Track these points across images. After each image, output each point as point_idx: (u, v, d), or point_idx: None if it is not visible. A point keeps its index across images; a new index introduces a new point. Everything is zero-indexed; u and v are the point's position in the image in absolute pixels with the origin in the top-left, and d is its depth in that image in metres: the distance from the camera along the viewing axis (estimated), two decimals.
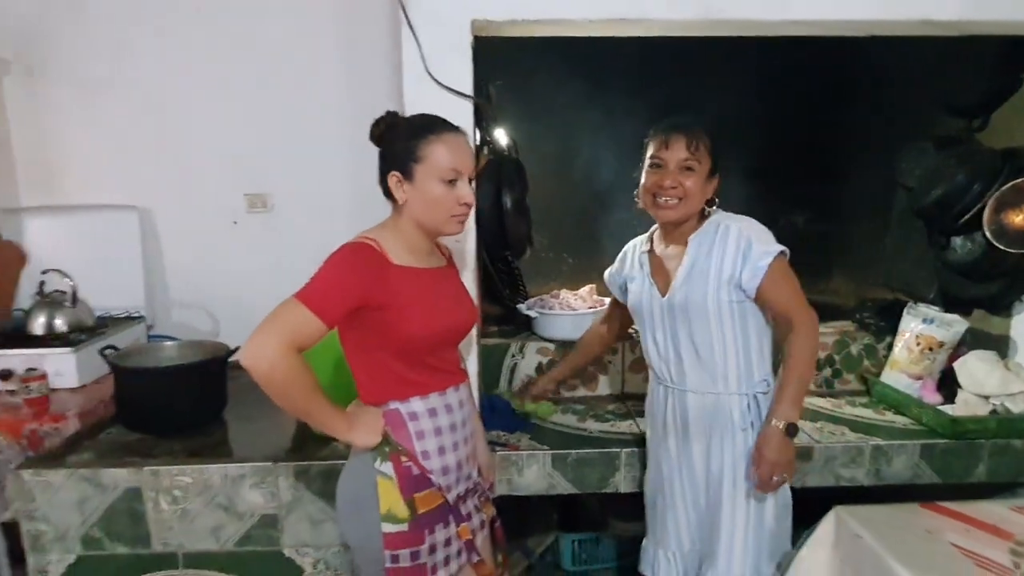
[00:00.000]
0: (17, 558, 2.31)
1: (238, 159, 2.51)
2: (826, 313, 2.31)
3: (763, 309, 1.48)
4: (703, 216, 1.53)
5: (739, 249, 1.43)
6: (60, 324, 2.20)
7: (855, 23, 1.64)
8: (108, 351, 1.99)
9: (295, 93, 2.46)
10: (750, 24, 1.61)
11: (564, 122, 2.42)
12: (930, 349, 2.00)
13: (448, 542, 1.31)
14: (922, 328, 2.03)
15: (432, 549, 1.28)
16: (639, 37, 1.73)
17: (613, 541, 2.29)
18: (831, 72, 2.38)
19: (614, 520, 2.27)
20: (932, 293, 2.11)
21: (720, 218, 1.51)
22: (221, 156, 2.51)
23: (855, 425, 1.89)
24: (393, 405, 1.29)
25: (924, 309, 2.06)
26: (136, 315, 2.48)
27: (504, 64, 1.81)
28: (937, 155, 2.04)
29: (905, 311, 2.10)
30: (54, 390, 2.02)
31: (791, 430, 1.40)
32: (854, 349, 2.17)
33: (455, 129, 1.29)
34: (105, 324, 2.34)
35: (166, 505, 1.64)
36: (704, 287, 1.45)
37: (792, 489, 1.55)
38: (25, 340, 2.13)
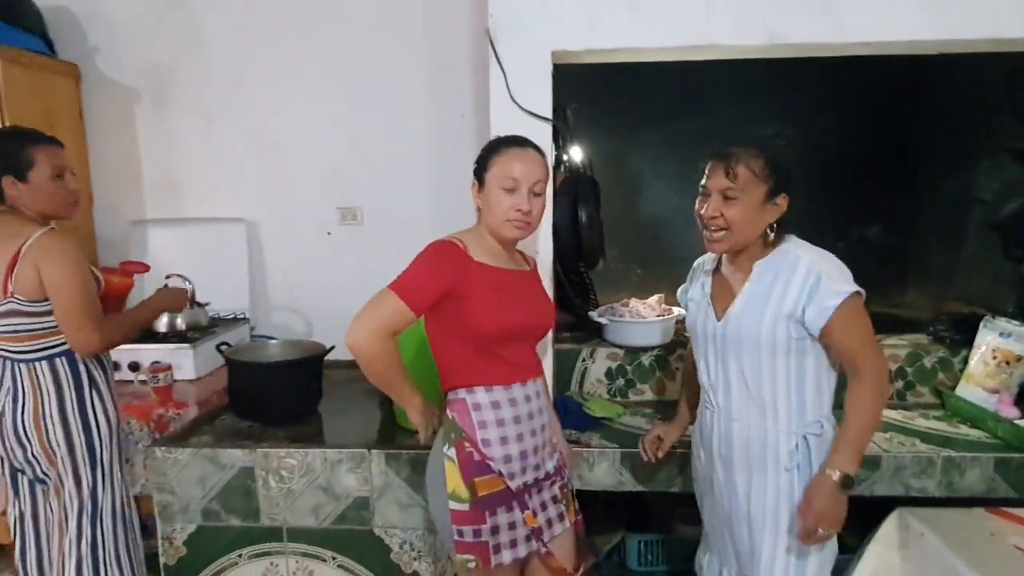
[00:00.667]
0: (141, 527, 2.61)
1: (332, 177, 2.76)
2: (900, 326, 2.33)
3: (827, 349, 1.38)
4: (773, 241, 1.42)
5: (806, 284, 1.33)
6: (180, 323, 2.48)
7: (917, 43, 1.68)
8: (223, 347, 2.24)
9: (383, 117, 2.69)
10: (812, 47, 1.68)
11: (635, 141, 2.54)
12: (1007, 363, 1.98)
13: (512, 526, 1.40)
14: (999, 341, 2.01)
15: (495, 530, 1.38)
16: (709, 61, 1.83)
17: (678, 544, 2.35)
18: (904, 88, 2.41)
19: (680, 524, 2.33)
20: (1010, 306, 2.09)
21: (793, 247, 1.41)
22: (318, 174, 2.77)
23: (927, 437, 1.90)
24: (461, 394, 1.42)
25: (1002, 323, 2.04)
26: (241, 316, 2.76)
27: (579, 87, 1.95)
28: (1014, 168, 2.03)
29: (982, 324, 2.08)
30: (176, 381, 2.29)
31: (846, 482, 1.31)
32: (928, 362, 2.17)
33: (523, 144, 1.41)
34: (216, 324, 2.62)
35: (274, 484, 1.85)
36: (760, 318, 1.36)
37: (858, 496, 1.57)
38: (149, 337, 2.43)
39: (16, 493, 1.82)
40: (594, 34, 1.66)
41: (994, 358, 2.00)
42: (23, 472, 1.78)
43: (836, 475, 1.31)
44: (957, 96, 2.36)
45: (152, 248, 2.83)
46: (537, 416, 1.47)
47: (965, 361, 2.10)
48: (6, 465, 1.79)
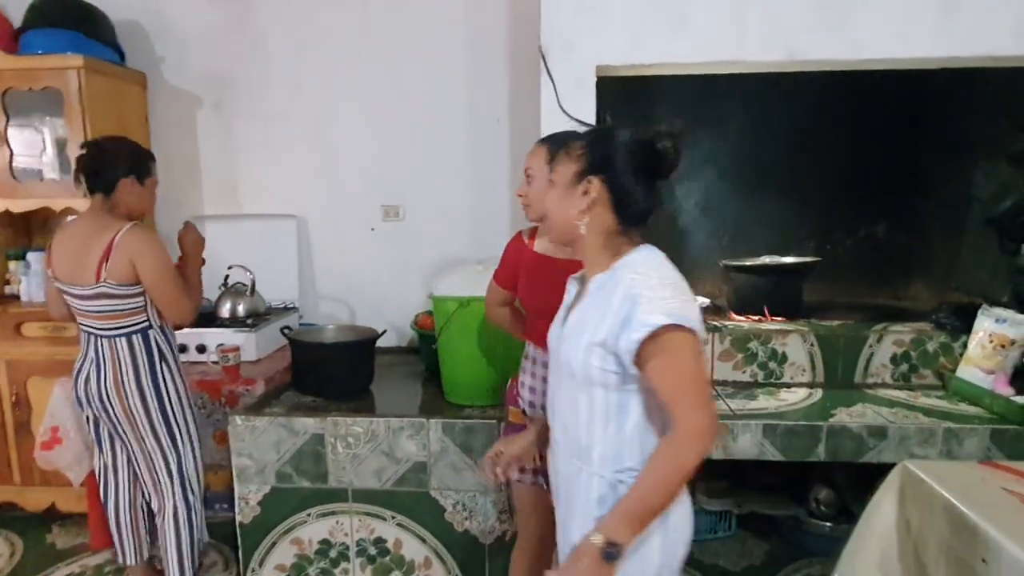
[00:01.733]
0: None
1: (377, 177, 2.99)
2: (905, 315, 2.53)
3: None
4: (619, 251, 1.21)
5: (622, 308, 1.12)
6: (241, 310, 2.71)
7: (922, 60, 1.90)
8: (285, 330, 2.46)
9: (425, 121, 2.92)
10: (830, 63, 1.90)
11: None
12: (1002, 346, 2.18)
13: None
14: (995, 327, 2.21)
15: None
16: (736, 75, 2.05)
17: (701, 515, 2.55)
18: (910, 98, 2.63)
19: (703, 496, 2.53)
20: (1006, 296, 2.29)
21: (632, 260, 1.19)
22: (363, 174, 2.99)
23: (929, 412, 2.10)
24: (527, 343, 1.75)
25: (998, 310, 2.24)
26: (291, 305, 2.98)
27: (617, 95, 2.16)
28: (1009, 170, 2.24)
29: (980, 312, 2.28)
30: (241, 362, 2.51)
31: (609, 552, 1.08)
32: (930, 347, 2.37)
33: (539, 141, 1.64)
34: (270, 311, 2.85)
35: (341, 449, 2.06)
36: (578, 343, 1.18)
37: (865, 464, 1.76)
38: (214, 322, 2.65)
39: (100, 448, 2.09)
40: (635, 51, 1.88)
41: (991, 342, 2.20)
42: (108, 429, 2.04)
43: (599, 540, 1.09)
44: (958, 105, 2.57)
45: (210, 242, 2.99)
46: None
47: (964, 346, 2.30)
48: (91, 423, 2.06)
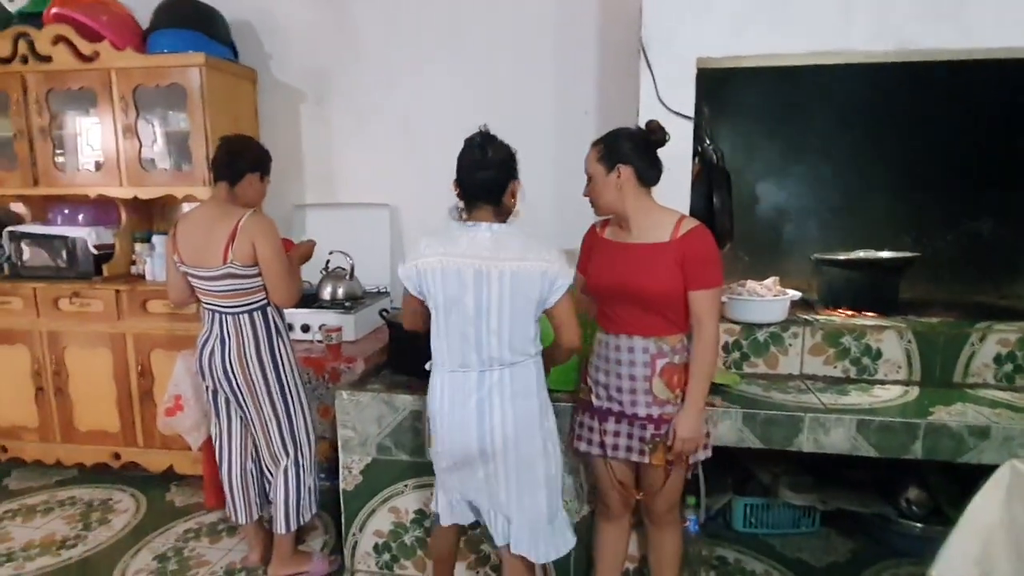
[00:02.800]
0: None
1: None
2: (1008, 315, 2.44)
3: None
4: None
5: None
6: (340, 293, 2.88)
7: None
8: (384, 313, 2.61)
9: (513, 113, 2.94)
10: (941, 52, 1.85)
11: (758, 138, 2.75)
12: None
13: (591, 429, 1.86)
14: None
15: (580, 424, 1.90)
16: (837, 65, 2.02)
17: (783, 509, 2.55)
18: (1018, 89, 2.50)
19: (784, 489, 2.52)
20: None
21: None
22: (451, 164, 3.06)
23: None
24: (598, 328, 1.86)
25: None
26: (383, 290, 3.13)
27: (716, 86, 2.18)
28: None
29: None
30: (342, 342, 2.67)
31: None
32: None
33: (592, 144, 1.76)
34: (366, 295, 3.01)
35: None
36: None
37: (965, 464, 1.73)
38: (315, 304, 2.83)
39: (217, 414, 2.29)
40: (737, 42, 1.89)
41: None
42: (226, 398, 2.23)
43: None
44: None
45: (309, 229, 3.25)
46: (627, 366, 1.76)
47: None
48: (210, 392, 2.25)
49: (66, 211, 3.15)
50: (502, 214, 1.70)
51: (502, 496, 1.73)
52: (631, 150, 1.70)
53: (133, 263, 3.12)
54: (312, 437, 2.28)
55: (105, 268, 3.02)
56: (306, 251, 2.37)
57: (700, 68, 1.96)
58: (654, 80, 1.94)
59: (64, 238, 2.98)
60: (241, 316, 2.10)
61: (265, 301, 2.12)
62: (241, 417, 2.25)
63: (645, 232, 1.73)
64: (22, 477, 3.07)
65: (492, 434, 1.67)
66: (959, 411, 2.03)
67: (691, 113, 1.94)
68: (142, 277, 3.04)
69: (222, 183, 2.10)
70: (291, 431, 2.21)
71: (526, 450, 1.70)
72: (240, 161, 2.10)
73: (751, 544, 2.52)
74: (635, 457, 1.81)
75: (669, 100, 1.95)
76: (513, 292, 1.61)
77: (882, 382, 2.30)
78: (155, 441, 2.95)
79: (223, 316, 2.11)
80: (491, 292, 1.62)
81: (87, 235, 2.99)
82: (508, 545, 1.78)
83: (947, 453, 1.94)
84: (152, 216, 3.28)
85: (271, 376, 2.14)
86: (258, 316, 2.12)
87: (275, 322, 2.16)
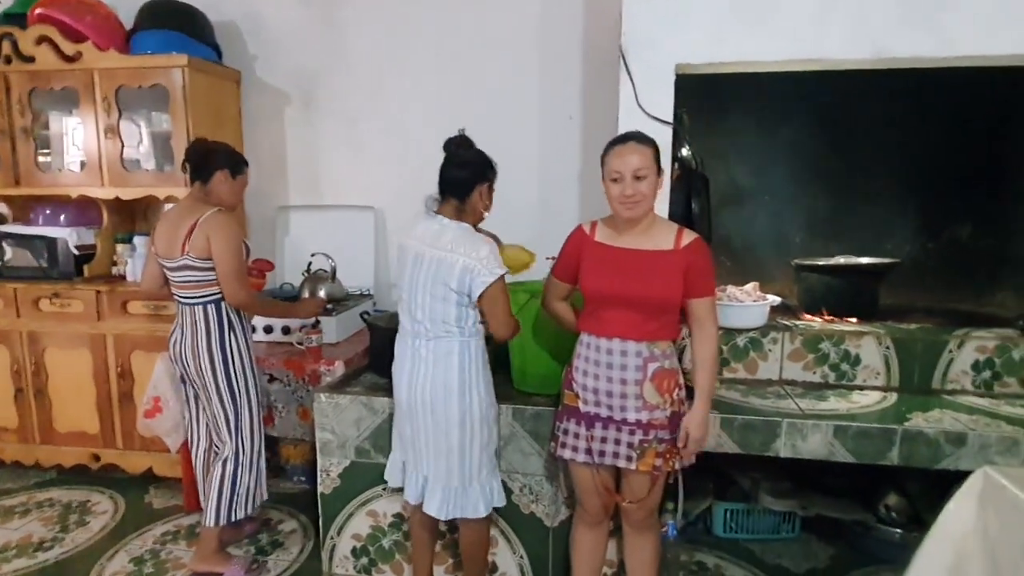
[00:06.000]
0: (278, 471, 3.02)
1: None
2: (988, 322, 2.45)
3: None
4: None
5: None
6: (322, 295, 2.87)
7: (1016, 56, 1.83)
8: (364, 315, 2.60)
9: (498, 118, 2.98)
10: (918, 60, 1.86)
11: (737, 142, 2.75)
12: None
13: (576, 436, 1.83)
14: None
15: (565, 431, 1.85)
16: (814, 72, 2.03)
17: (763, 514, 2.55)
18: (997, 96, 2.52)
19: (765, 495, 2.52)
20: None
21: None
22: (436, 168, 3.09)
23: (1012, 420, 2.03)
24: (582, 332, 1.84)
25: None
26: (367, 292, 3.13)
27: (694, 93, 2.18)
28: None
29: None
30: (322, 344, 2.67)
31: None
32: (1016, 354, 2.28)
33: (624, 140, 1.69)
34: (348, 297, 3.00)
35: None
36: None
37: (943, 471, 1.73)
38: None
39: (187, 402, 2.35)
40: (716, 49, 1.90)
41: None
42: (192, 386, 2.29)
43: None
44: None
45: (293, 230, 3.25)
46: (618, 370, 1.76)
47: None
48: (183, 381, 2.31)
49: (48, 211, 3.13)
50: (466, 213, 1.86)
51: (422, 452, 1.92)
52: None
53: (114, 264, 3.10)
54: (257, 436, 2.31)
55: (86, 269, 3.00)
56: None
57: (679, 74, 1.97)
58: (633, 86, 1.95)
59: (45, 238, 2.96)
60: (197, 307, 2.18)
61: (220, 295, 2.18)
62: (204, 408, 2.30)
63: (650, 239, 1.75)
64: (0, 478, 3.05)
65: (415, 394, 1.88)
66: (936, 418, 2.04)
67: (670, 118, 1.95)
68: (123, 278, 3.02)
69: (196, 182, 2.20)
70: (236, 426, 2.24)
71: (441, 416, 1.86)
72: (209, 160, 2.18)
73: (731, 549, 2.52)
74: (622, 463, 1.80)
75: (648, 105, 1.96)
76: (435, 277, 1.81)
77: (861, 388, 2.31)
78: (134, 443, 2.93)
79: (184, 307, 2.21)
80: (421, 274, 1.83)
81: (68, 235, 2.97)
82: (421, 505, 1.96)
83: (924, 460, 1.95)
84: (135, 217, 3.26)
85: (219, 369, 2.19)
86: (212, 308, 2.19)
87: (229, 317, 2.22)
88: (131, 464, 2.97)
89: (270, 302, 2.58)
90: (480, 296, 1.80)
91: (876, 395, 2.25)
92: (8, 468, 3.09)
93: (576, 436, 1.85)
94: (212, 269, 2.14)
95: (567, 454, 1.87)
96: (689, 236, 1.74)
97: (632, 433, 1.78)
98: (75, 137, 3.04)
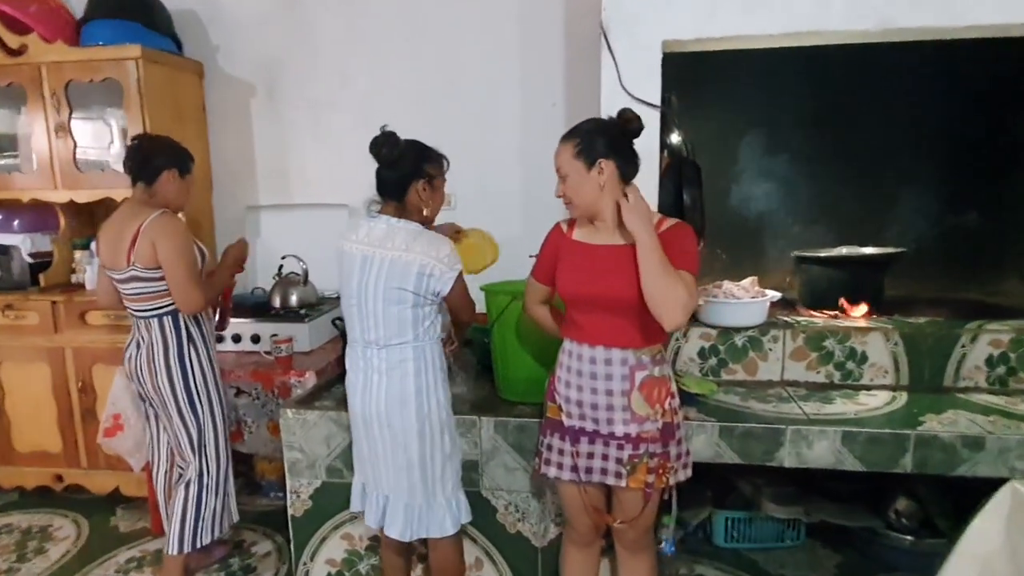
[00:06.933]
0: (254, 487, 2.86)
1: None
2: (998, 313, 2.31)
3: None
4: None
5: None
6: (293, 300, 2.70)
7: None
8: (337, 322, 2.42)
9: (477, 107, 2.83)
10: (925, 31, 1.70)
11: (731, 128, 2.59)
12: None
13: (561, 452, 1.69)
14: None
15: (549, 446, 1.71)
16: (811, 47, 1.87)
17: (766, 522, 2.40)
18: (1005, 73, 2.36)
19: (768, 502, 2.37)
20: None
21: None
22: None
23: None
24: (564, 338, 1.70)
25: None
26: None
27: (683, 74, 2.01)
28: None
29: None
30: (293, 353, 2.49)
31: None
32: None
33: (562, 139, 1.59)
34: (323, 301, 2.83)
35: None
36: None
37: (959, 478, 1.59)
38: (267, 312, 2.64)
39: (147, 421, 2.21)
40: (706, 24, 1.73)
41: None
42: (151, 404, 2.13)
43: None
44: None
45: (264, 231, 3.07)
46: (603, 380, 1.60)
47: None
48: (143, 399, 2.15)
49: (1, 216, 2.94)
50: (408, 213, 1.76)
51: (381, 469, 1.80)
52: (609, 143, 1.54)
53: (73, 271, 2.92)
54: (223, 455, 2.15)
55: (42, 277, 2.82)
56: (236, 254, 2.22)
57: (667, 53, 1.80)
58: (616, 66, 1.77)
59: None
60: (152, 320, 2.02)
61: (174, 306, 2.01)
62: (164, 427, 2.14)
63: (625, 233, 1.57)
64: None
65: (369, 407, 1.76)
66: (951, 419, 1.89)
67: (657, 101, 1.78)
68: (82, 287, 2.84)
69: (139, 184, 2.01)
70: (200, 445, 2.09)
71: (398, 428, 1.74)
72: (155, 159, 2.00)
73: (732, 560, 2.38)
74: (611, 480, 1.65)
75: (633, 88, 1.78)
76: (388, 280, 1.69)
77: (868, 387, 2.16)
78: (99, 462, 2.76)
79: (138, 321, 2.05)
80: (370, 277, 1.71)
81: (21, 242, 2.79)
82: (383, 528, 1.84)
83: (939, 466, 1.80)
84: (94, 221, 3.06)
85: (179, 385, 2.03)
86: (168, 321, 2.02)
87: (188, 329, 2.05)
88: (96, 484, 2.80)
89: (212, 281, 2.14)
90: (447, 293, 1.73)
91: (885, 395, 2.10)
92: None
93: (560, 452, 1.70)
94: (162, 279, 1.97)
95: (552, 472, 1.72)
96: (670, 223, 1.59)
97: (621, 448, 1.62)
98: (21, 137, 2.85)
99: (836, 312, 2.35)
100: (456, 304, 1.81)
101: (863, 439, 1.82)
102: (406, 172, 1.74)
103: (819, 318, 2.33)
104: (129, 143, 2.04)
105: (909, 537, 2.24)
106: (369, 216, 1.80)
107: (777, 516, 2.36)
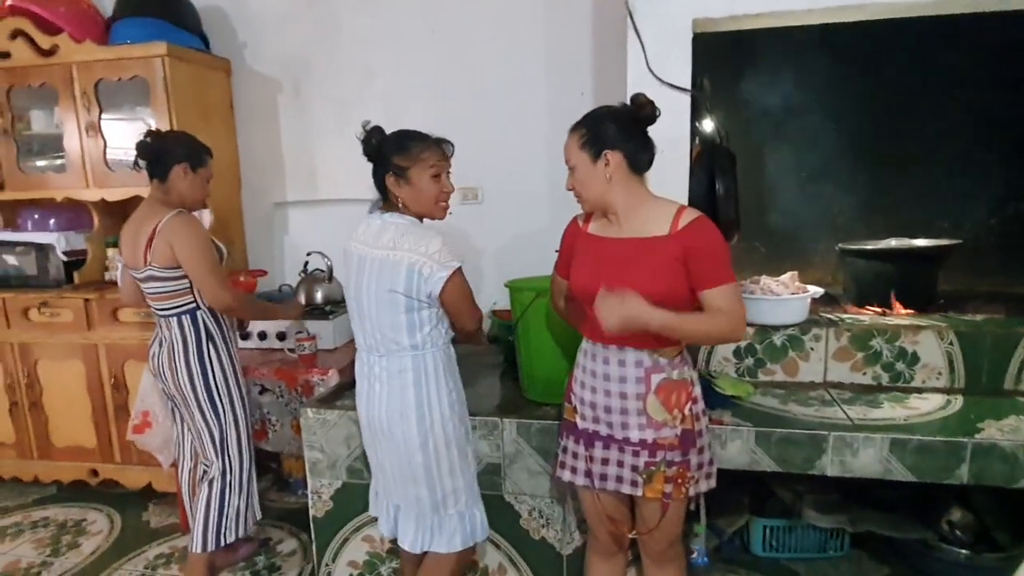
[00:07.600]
0: (282, 484, 2.86)
1: (454, 159, 2.85)
2: None
3: None
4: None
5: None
6: (319, 297, 2.68)
7: None
8: None
9: (504, 100, 2.76)
10: (981, 3, 1.55)
11: (765, 114, 2.45)
12: None
13: (576, 455, 1.61)
14: None
15: (565, 449, 1.65)
16: (855, 22, 1.73)
17: (807, 531, 2.27)
18: None
19: (809, 509, 2.24)
20: None
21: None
22: None
23: None
24: (584, 337, 1.62)
25: None
26: None
27: (715, 56, 1.90)
28: None
29: None
30: (318, 350, 2.47)
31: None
32: None
33: (571, 128, 1.51)
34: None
35: None
36: None
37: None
38: None
39: (173, 419, 2.21)
40: (738, 0, 1.61)
41: None
42: (173, 402, 2.14)
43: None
44: None
45: (292, 227, 3.07)
46: (617, 382, 1.52)
47: None
48: (168, 397, 2.15)
49: (36, 216, 3.00)
50: (399, 208, 1.69)
51: (389, 478, 1.75)
52: (618, 132, 1.45)
53: (107, 269, 2.95)
54: (246, 454, 2.14)
55: (76, 275, 2.86)
56: (294, 315, 2.38)
57: (697, 33, 1.69)
58: (643, 49, 1.67)
59: (32, 244, 2.83)
60: (172, 319, 2.02)
61: (194, 305, 2.02)
62: (188, 425, 2.15)
63: (639, 226, 1.48)
64: None
65: (373, 415, 1.71)
66: (1012, 426, 1.74)
67: (687, 85, 1.67)
68: (115, 284, 2.86)
69: (154, 180, 2.01)
70: (222, 443, 2.08)
71: (400, 439, 1.67)
72: (165, 154, 1.99)
73: (771, 570, 2.25)
74: (626, 489, 1.56)
75: (661, 71, 1.67)
76: (379, 281, 1.62)
77: (920, 390, 2.02)
78: (132, 457, 2.79)
79: (160, 319, 2.05)
80: (365, 279, 1.65)
81: (55, 241, 2.83)
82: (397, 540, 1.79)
83: (999, 478, 1.66)
84: (126, 219, 3.05)
85: (199, 384, 2.02)
86: (187, 320, 2.02)
87: (208, 327, 2.05)
88: (129, 479, 2.84)
89: (255, 302, 2.35)
90: (439, 294, 1.61)
91: (938, 399, 1.96)
92: (8, 484, 2.99)
93: (575, 456, 1.63)
94: (181, 278, 1.97)
95: (567, 475, 1.65)
96: (690, 216, 1.44)
97: (636, 455, 1.53)
98: (55, 136, 2.89)
99: (884, 309, 2.20)
100: (453, 308, 1.66)
101: (914, 447, 1.69)
102: (376, 166, 1.70)
103: (865, 315, 2.19)
104: (138, 140, 2.01)
105: (964, 551, 2.08)
106: (372, 213, 1.75)
107: (819, 525, 2.23)
